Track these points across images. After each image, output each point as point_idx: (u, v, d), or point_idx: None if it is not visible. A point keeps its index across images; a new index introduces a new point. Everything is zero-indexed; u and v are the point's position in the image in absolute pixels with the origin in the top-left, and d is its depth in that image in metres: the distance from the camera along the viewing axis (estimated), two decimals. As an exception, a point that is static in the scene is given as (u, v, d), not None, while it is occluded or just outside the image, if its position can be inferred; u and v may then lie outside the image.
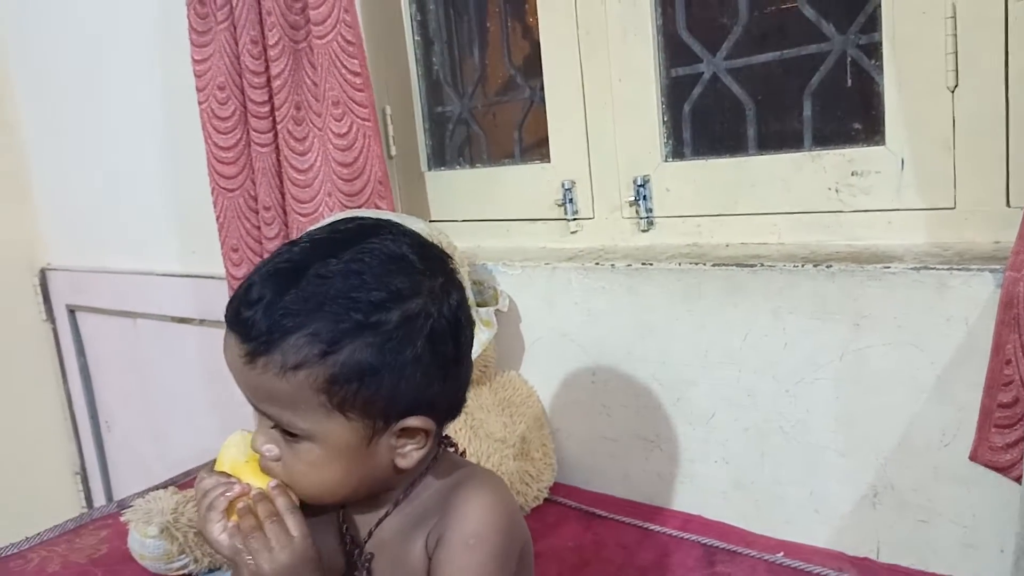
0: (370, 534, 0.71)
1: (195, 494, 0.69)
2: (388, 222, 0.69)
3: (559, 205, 1.38)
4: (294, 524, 0.65)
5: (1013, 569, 0.78)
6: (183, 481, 1.43)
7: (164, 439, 2.17)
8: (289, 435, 0.65)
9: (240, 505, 0.65)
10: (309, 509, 0.68)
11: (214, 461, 0.70)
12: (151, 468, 2.11)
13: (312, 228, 0.69)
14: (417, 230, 1.18)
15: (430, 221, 1.56)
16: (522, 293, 1.32)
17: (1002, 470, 0.89)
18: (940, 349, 0.95)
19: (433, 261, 0.68)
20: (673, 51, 1.26)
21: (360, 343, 0.62)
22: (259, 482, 0.67)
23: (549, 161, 1.40)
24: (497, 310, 1.29)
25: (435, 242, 1.16)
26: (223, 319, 0.65)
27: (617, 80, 1.28)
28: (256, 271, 0.65)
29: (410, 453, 0.67)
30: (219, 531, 0.65)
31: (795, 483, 1.09)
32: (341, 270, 0.62)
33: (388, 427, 0.65)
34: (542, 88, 1.38)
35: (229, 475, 0.68)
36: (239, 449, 0.68)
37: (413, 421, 0.66)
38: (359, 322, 0.62)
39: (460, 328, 0.68)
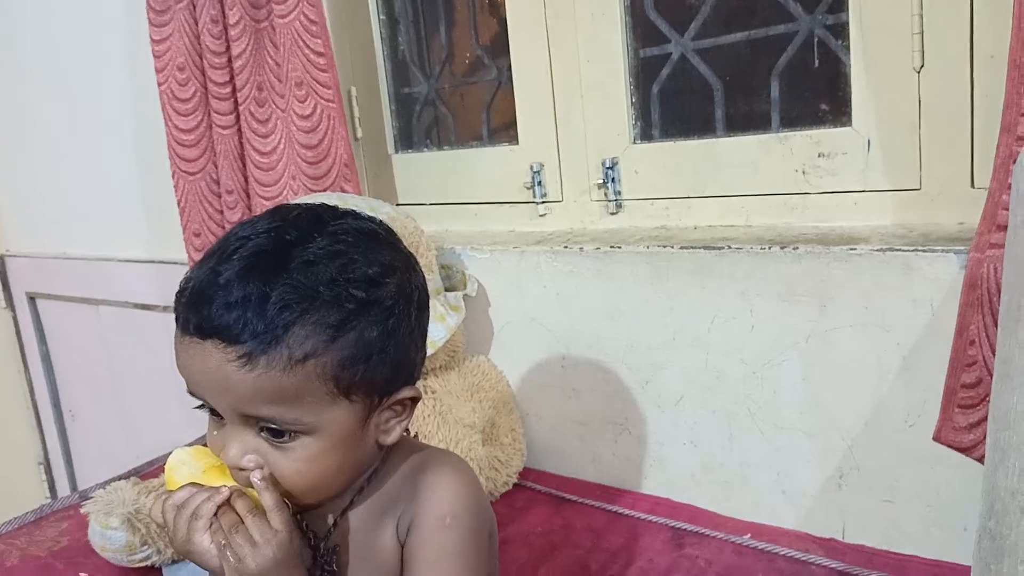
0: (335, 524, 0.69)
1: (162, 514, 0.64)
2: (324, 204, 0.67)
3: (527, 188, 1.37)
4: (279, 519, 0.61)
5: (976, 547, 0.78)
6: (146, 471, 1.41)
7: (129, 427, 2.14)
8: (279, 436, 0.61)
9: (216, 501, 0.61)
10: None
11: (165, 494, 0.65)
12: (117, 457, 2.08)
13: (249, 220, 0.64)
14: (383, 214, 1.18)
15: (397, 204, 1.54)
16: (491, 277, 1.31)
17: (965, 450, 0.90)
18: (906, 330, 0.95)
19: (391, 232, 0.68)
20: (641, 32, 1.25)
21: (366, 321, 0.61)
22: (232, 485, 0.63)
23: (517, 143, 1.38)
24: (465, 295, 1.28)
25: (401, 227, 1.16)
26: (185, 328, 0.60)
27: (585, 61, 1.26)
28: (216, 268, 0.60)
29: (393, 427, 0.67)
30: (208, 542, 0.61)
31: (762, 465, 1.09)
32: (325, 253, 0.60)
33: (382, 403, 0.65)
34: (510, 69, 1.36)
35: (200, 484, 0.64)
36: (189, 466, 0.64)
37: (406, 392, 0.66)
38: (362, 300, 0.60)
39: (427, 291, 0.69)
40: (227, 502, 0.61)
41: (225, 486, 0.62)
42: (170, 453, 0.67)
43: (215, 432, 0.65)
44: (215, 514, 0.61)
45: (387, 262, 0.64)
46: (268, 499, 0.61)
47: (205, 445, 0.67)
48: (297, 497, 0.64)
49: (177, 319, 0.61)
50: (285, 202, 0.69)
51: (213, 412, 0.64)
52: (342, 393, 0.61)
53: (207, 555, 0.62)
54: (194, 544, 0.62)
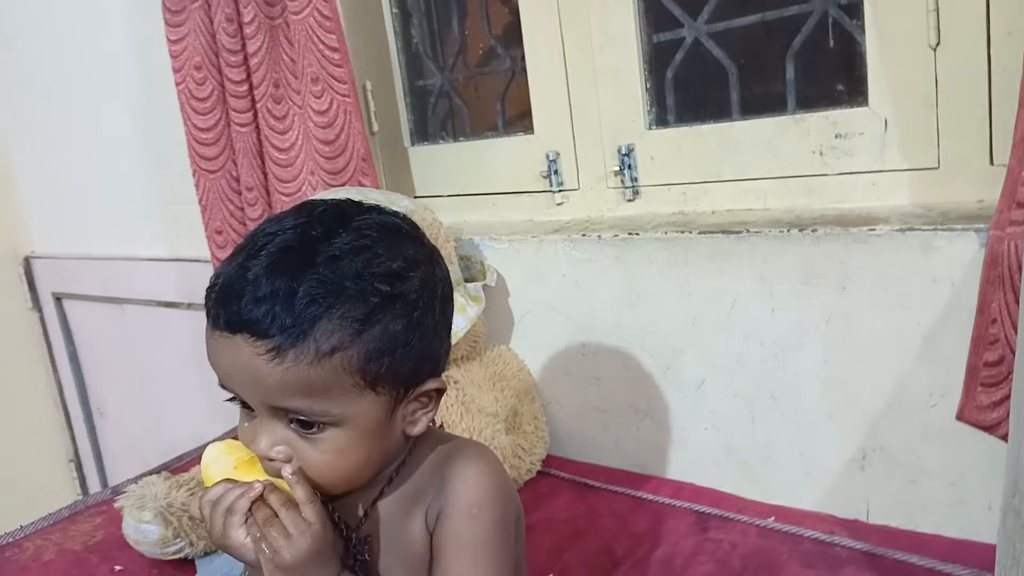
0: (366, 515, 0.70)
1: (199, 510, 0.65)
2: (349, 200, 0.68)
3: (544, 177, 1.37)
4: (312, 511, 0.62)
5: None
6: (176, 466, 1.43)
7: (157, 424, 2.17)
8: (308, 428, 0.63)
9: (251, 496, 0.63)
10: None
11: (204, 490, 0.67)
12: (145, 453, 2.11)
13: (276, 217, 0.66)
14: (401, 207, 1.18)
15: (415, 197, 1.54)
16: (510, 267, 1.31)
17: (989, 428, 0.90)
18: (926, 310, 0.95)
19: (415, 226, 0.69)
20: (654, 16, 1.24)
21: (391, 314, 0.62)
22: (263, 479, 0.65)
23: (532, 132, 1.39)
24: (485, 285, 1.29)
25: (419, 219, 1.16)
26: (215, 323, 0.61)
27: (599, 48, 1.26)
28: (245, 264, 0.61)
29: (420, 418, 0.68)
30: (244, 536, 0.63)
31: (785, 447, 1.09)
32: (350, 248, 0.61)
33: (408, 395, 0.66)
34: (523, 58, 1.36)
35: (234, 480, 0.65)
36: (221, 463, 0.66)
37: (432, 383, 0.67)
38: (387, 294, 0.61)
39: (451, 284, 0.70)
40: (261, 497, 0.63)
41: (258, 481, 0.64)
42: (203, 448, 0.69)
43: (246, 424, 0.66)
44: (249, 509, 0.63)
45: (411, 256, 0.65)
46: (300, 492, 0.63)
47: (235, 438, 0.68)
48: (327, 487, 0.65)
49: (208, 314, 0.63)
50: (310, 199, 0.70)
51: (244, 404, 0.65)
52: (368, 385, 0.62)
53: (243, 549, 0.63)
54: (230, 539, 0.63)
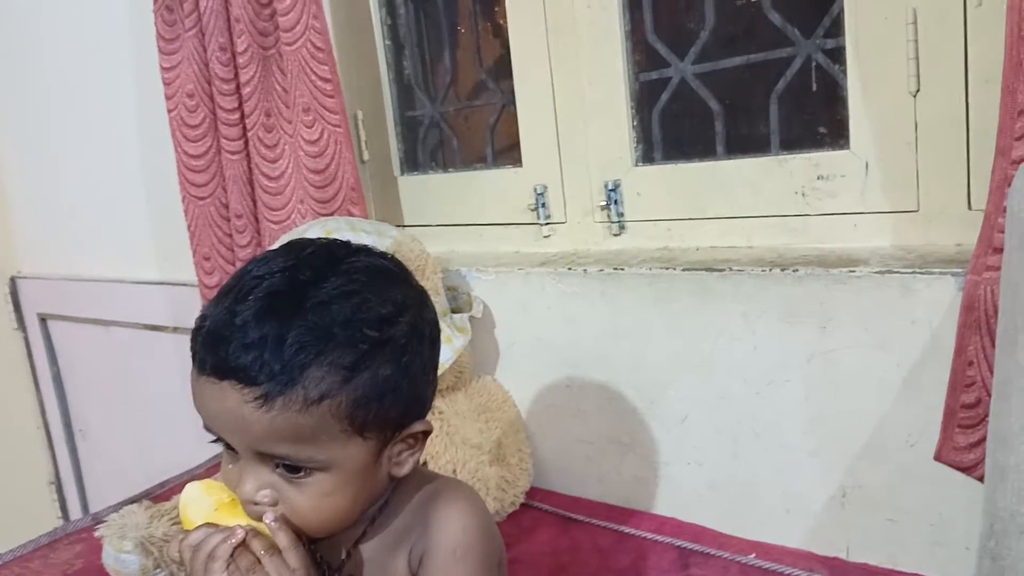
0: (348, 556, 0.70)
1: (179, 553, 0.65)
2: (337, 241, 0.68)
3: (532, 209, 1.38)
4: (296, 558, 0.62)
5: (977, 568, 0.79)
6: (158, 493, 1.42)
7: (140, 447, 2.16)
8: (294, 472, 0.63)
9: (232, 542, 0.62)
10: None
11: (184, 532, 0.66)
12: (128, 477, 2.09)
13: (263, 257, 0.66)
14: (388, 238, 1.19)
15: (403, 226, 1.55)
16: (496, 298, 1.32)
17: (966, 470, 0.91)
18: (905, 351, 0.96)
19: (404, 268, 0.70)
20: (642, 56, 1.27)
21: (380, 360, 0.62)
22: (244, 523, 0.64)
23: (521, 165, 1.40)
24: (471, 316, 1.30)
25: (407, 250, 1.17)
26: (201, 368, 0.61)
27: (587, 84, 1.28)
28: (233, 309, 0.60)
29: (406, 460, 0.68)
30: None
31: (767, 484, 1.10)
32: (339, 293, 0.61)
33: (394, 437, 0.66)
34: (513, 92, 1.38)
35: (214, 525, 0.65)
36: (201, 504, 0.66)
37: (418, 426, 0.67)
38: (375, 340, 0.61)
39: (439, 325, 0.71)
40: (243, 542, 0.62)
41: (240, 526, 0.63)
42: (186, 474, 0.68)
43: (230, 466, 0.66)
44: (232, 554, 0.62)
45: (400, 300, 0.65)
46: (283, 538, 0.62)
47: (217, 469, 0.68)
48: (313, 531, 0.65)
49: (194, 358, 0.62)
50: (298, 238, 0.70)
51: (229, 447, 0.65)
52: (356, 431, 0.62)
53: None
54: None
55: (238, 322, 0.60)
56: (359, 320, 0.61)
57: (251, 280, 0.62)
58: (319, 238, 0.69)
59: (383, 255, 0.69)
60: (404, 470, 0.68)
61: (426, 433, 0.68)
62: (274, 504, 0.63)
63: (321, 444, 0.61)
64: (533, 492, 1.30)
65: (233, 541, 0.62)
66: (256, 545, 0.62)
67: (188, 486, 0.68)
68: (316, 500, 0.63)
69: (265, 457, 0.63)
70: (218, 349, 0.60)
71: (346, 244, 0.68)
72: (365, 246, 0.69)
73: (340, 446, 0.62)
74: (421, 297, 0.69)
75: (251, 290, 0.61)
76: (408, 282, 0.68)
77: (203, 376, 0.61)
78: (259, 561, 0.62)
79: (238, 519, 0.64)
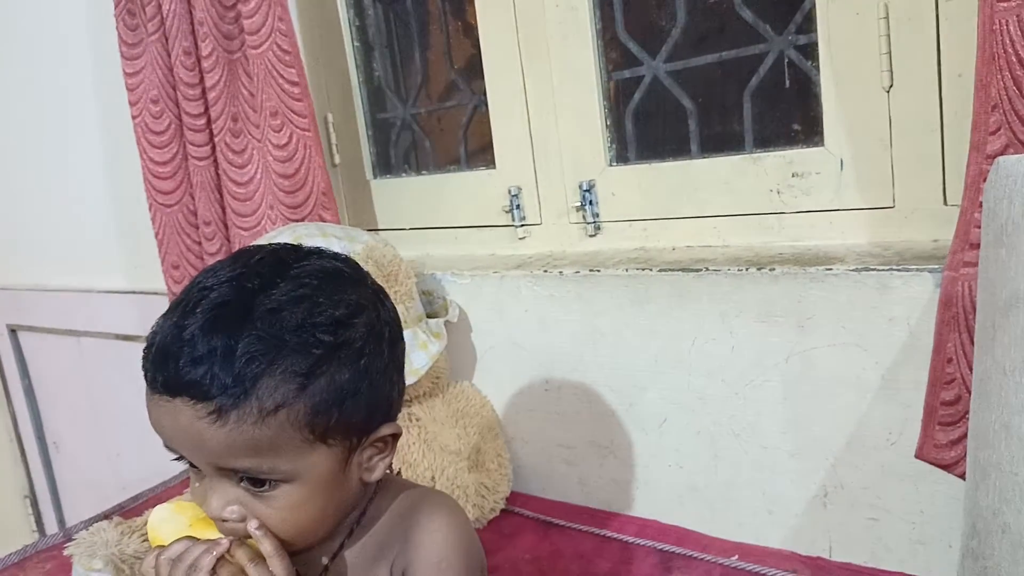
0: (326, 569, 0.69)
1: (154, 570, 0.63)
2: (287, 245, 0.66)
3: (506, 211, 1.37)
4: (280, 567, 0.61)
5: (959, 567, 0.78)
6: (130, 507, 1.39)
7: (115, 459, 2.12)
8: (259, 485, 0.61)
9: (215, 554, 0.61)
10: None
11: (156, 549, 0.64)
12: (102, 488, 2.06)
13: (211, 268, 0.64)
14: (360, 243, 1.17)
15: (376, 230, 1.53)
16: (472, 302, 1.30)
17: (947, 467, 0.90)
18: (884, 349, 0.95)
19: (358, 268, 0.68)
20: (614, 54, 1.25)
21: (336, 364, 0.60)
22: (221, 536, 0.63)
23: (495, 167, 1.38)
24: (447, 321, 1.28)
25: (380, 255, 1.15)
26: (153, 386, 0.59)
27: (559, 84, 1.27)
28: (180, 323, 0.58)
29: (377, 464, 0.66)
30: None
31: (748, 485, 1.09)
32: (289, 298, 0.59)
33: (361, 442, 0.64)
34: (485, 93, 1.36)
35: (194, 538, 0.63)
36: (175, 523, 0.64)
37: (386, 429, 0.65)
38: (329, 344, 0.60)
39: (400, 325, 0.69)
40: (227, 553, 0.61)
41: (224, 537, 0.62)
42: (159, 487, 0.66)
43: (196, 484, 0.64)
44: (217, 565, 0.61)
45: (354, 301, 0.63)
46: (267, 546, 0.61)
47: (186, 485, 0.66)
48: (286, 544, 0.63)
49: (145, 376, 0.60)
50: (247, 246, 0.68)
51: (192, 464, 0.63)
52: (319, 439, 0.61)
53: None
54: None
55: (186, 336, 0.58)
56: (311, 325, 0.59)
57: (198, 292, 0.60)
58: (268, 244, 0.67)
59: (336, 256, 0.66)
60: (375, 475, 0.66)
61: (395, 436, 0.67)
62: (243, 520, 0.62)
63: (283, 455, 0.59)
64: (513, 497, 1.28)
65: (217, 552, 0.60)
66: (240, 555, 0.61)
67: (156, 508, 0.66)
68: (285, 513, 0.62)
69: (228, 472, 0.61)
70: (167, 365, 0.58)
71: (296, 248, 0.66)
72: (317, 249, 0.67)
73: (303, 455, 0.60)
74: (377, 297, 0.66)
75: (198, 302, 0.59)
76: (363, 282, 0.66)
77: (156, 394, 0.59)
78: (243, 571, 0.60)
79: (217, 534, 0.62)
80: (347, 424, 0.62)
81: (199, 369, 0.57)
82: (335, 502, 0.65)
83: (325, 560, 0.68)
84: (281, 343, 0.58)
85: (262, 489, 0.61)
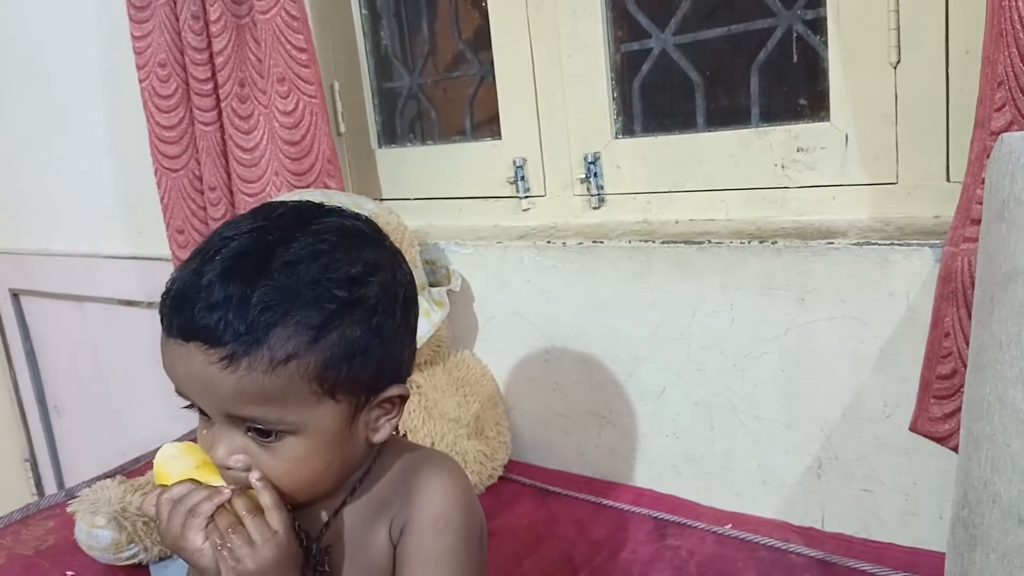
0: (327, 525, 0.69)
1: (155, 507, 0.64)
2: (309, 202, 0.67)
3: (511, 183, 1.37)
4: (278, 519, 0.62)
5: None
6: (132, 468, 1.41)
7: (116, 424, 2.14)
8: (266, 436, 0.62)
9: (215, 501, 0.62)
10: None
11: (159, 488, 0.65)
12: (103, 453, 2.08)
13: (234, 220, 0.65)
14: (365, 211, 1.18)
15: (381, 199, 1.54)
16: (475, 272, 1.31)
17: (941, 440, 0.92)
18: (882, 323, 0.96)
19: (378, 229, 0.68)
20: (622, 27, 1.25)
21: (348, 321, 0.60)
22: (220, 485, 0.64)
23: (500, 138, 1.39)
24: (449, 290, 1.29)
25: (384, 223, 1.16)
26: (168, 330, 0.60)
27: (567, 56, 1.27)
28: (199, 270, 0.60)
29: (383, 425, 0.66)
30: (202, 540, 0.61)
31: (743, 456, 1.10)
32: (307, 252, 0.60)
33: (369, 401, 0.64)
34: (492, 63, 1.36)
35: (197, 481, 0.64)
36: (181, 462, 0.64)
37: (394, 390, 0.65)
38: (344, 300, 0.60)
39: (416, 288, 0.69)
40: (227, 502, 0.62)
41: (227, 487, 0.63)
42: (158, 449, 0.67)
43: (204, 431, 0.65)
44: (216, 513, 0.61)
45: (371, 260, 0.63)
46: (267, 498, 0.62)
47: (194, 440, 0.67)
48: (288, 497, 0.64)
49: (162, 321, 0.61)
50: (270, 200, 0.69)
51: (201, 411, 0.64)
52: (327, 393, 0.61)
53: (198, 554, 0.61)
54: (188, 541, 0.62)
55: (204, 283, 0.59)
56: (327, 280, 0.60)
57: (219, 241, 0.61)
58: (291, 200, 0.67)
59: (356, 216, 0.67)
60: (381, 436, 0.67)
61: (403, 398, 0.67)
62: (248, 469, 0.62)
63: (290, 406, 0.60)
64: (512, 465, 1.30)
65: (218, 500, 0.61)
66: (239, 505, 0.62)
67: (166, 445, 0.67)
68: (289, 464, 0.62)
69: (236, 420, 0.62)
70: (183, 310, 0.59)
71: (318, 206, 0.66)
72: (338, 208, 0.67)
73: (310, 408, 0.61)
74: (394, 258, 0.67)
75: (218, 251, 0.60)
76: (381, 243, 0.67)
77: (171, 339, 0.60)
78: (239, 522, 0.61)
79: (221, 481, 0.63)
80: (356, 381, 0.62)
81: (214, 315, 0.58)
82: (339, 459, 0.65)
83: (326, 516, 0.69)
84: (296, 295, 0.59)
85: (268, 440, 0.62)
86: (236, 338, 0.58)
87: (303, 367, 0.59)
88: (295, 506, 0.66)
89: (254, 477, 0.62)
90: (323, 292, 0.60)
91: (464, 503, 0.68)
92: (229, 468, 0.63)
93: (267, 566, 0.60)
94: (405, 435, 0.77)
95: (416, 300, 0.69)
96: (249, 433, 0.62)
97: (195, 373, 0.59)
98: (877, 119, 1.03)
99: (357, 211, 0.69)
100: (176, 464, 0.65)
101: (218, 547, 0.61)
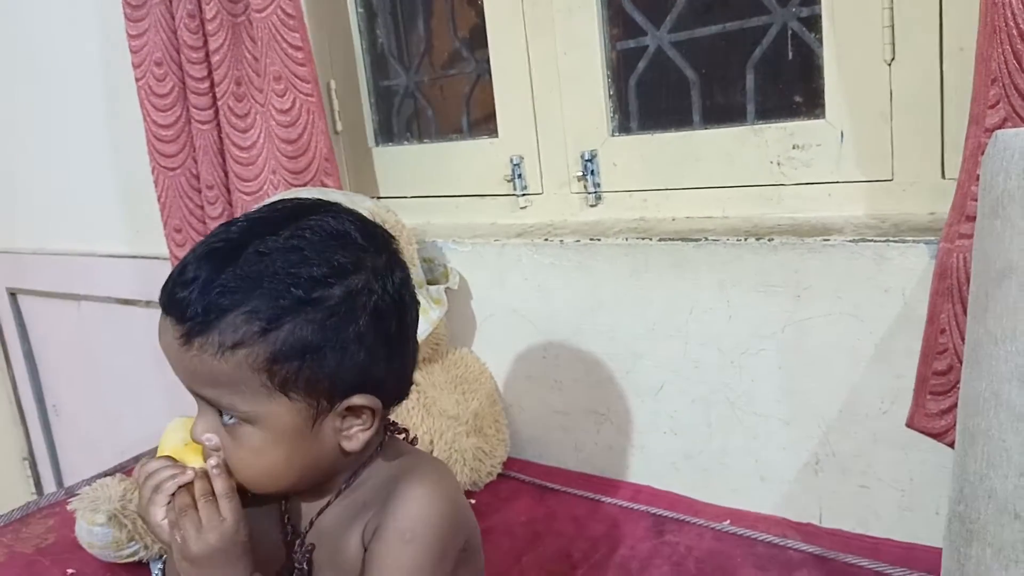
0: (311, 524, 0.70)
1: (137, 477, 0.67)
2: (328, 202, 0.68)
3: (508, 180, 1.37)
4: (228, 508, 0.63)
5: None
6: (131, 467, 1.41)
7: (114, 422, 2.14)
8: (229, 419, 0.63)
9: (176, 481, 0.64)
10: (254, 498, 0.66)
11: (156, 448, 0.69)
12: (101, 452, 2.08)
13: (249, 211, 0.67)
14: (363, 209, 1.17)
15: (378, 198, 1.54)
16: (473, 270, 1.32)
17: (937, 436, 0.92)
18: (878, 319, 0.97)
19: (376, 239, 0.67)
20: (618, 24, 1.25)
21: (301, 320, 0.60)
22: (202, 466, 0.66)
23: (497, 136, 1.39)
24: (447, 288, 1.29)
25: (381, 221, 1.16)
26: (160, 303, 0.64)
27: (563, 54, 1.27)
28: (192, 252, 0.63)
29: (356, 435, 0.66)
30: (162, 516, 0.64)
31: (741, 452, 1.11)
32: (281, 246, 0.61)
33: (332, 407, 0.64)
34: (488, 61, 1.36)
35: (174, 459, 0.66)
36: (179, 435, 0.67)
37: (358, 399, 0.64)
38: (299, 298, 0.60)
39: (404, 307, 0.67)
40: (189, 483, 0.64)
41: (193, 468, 0.65)
42: (157, 447, 0.69)
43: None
44: (174, 492, 0.64)
45: (342, 264, 0.62)
46: (219, 485, 0.64)
47: None
48: (247, 485, 0.65)
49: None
50: (284, 194, 0.71)
51: None
52: (278, 388, 0.61)
53: (159, 528, 0.64)
54: (150, 515, 0.65)
55: (186, 261, 0.62)
56: (288, 275, 0.61)
57: (220, 229, 0.64)
58: (306, 198, 0.68)
59: (356, 220, 0.66)
60: (353, 445, 0.66)
61: (374, 411, 0.65)
62: (216, 449, 0.65)
63: (242, 394, 0.62)
64: (510, 463, 1.30)
65: (179, 480, 0.64)
66: (197, 488, 0.64)
67: (176, 418, 0.69)
68: (245, 453, 0.64)
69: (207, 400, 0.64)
70: (167, 285, 0.63)
71: (321, 204, 0.67)
72: (345, 208, 0.67)
73: (263, 401, 0.62)
74: (384, 269, 0.65)
75: (214, 236, 0.64)
76: (367, 250, 0.65)
77: (161, 312, 0.64)
78: (194, 504, 0.63)
79: (199, 461, 0.65)
80: (308, 382, 0.62)
81: (183, 293, 0.61)
82: (300, 458, 0.65)
83: (312, 516, 0.70)
84: (256, 285, 0.60)
85: (229, 424, 0.64)
86: (193, 317, 0.60)
87: (252, 357, 0.60)
88: (286, 499, 0.68)
89: (211, 463, 0.64)
90: (280, 286, 0.60)
91: (440, 517, 0.66)
92: (204, 444, 0.65)
93: (208, 551, 0.62)
94: (414, 440, 0.76)
95: (395, 313, 0.66)
96: (217, 414, 0.64)
97: (167, 346, 0.63)
98: (872, 116, 1.04)
99: (362, 213, 0.68)
100: (172, 436, 0.68)
101: (172, 524, 0.63)
